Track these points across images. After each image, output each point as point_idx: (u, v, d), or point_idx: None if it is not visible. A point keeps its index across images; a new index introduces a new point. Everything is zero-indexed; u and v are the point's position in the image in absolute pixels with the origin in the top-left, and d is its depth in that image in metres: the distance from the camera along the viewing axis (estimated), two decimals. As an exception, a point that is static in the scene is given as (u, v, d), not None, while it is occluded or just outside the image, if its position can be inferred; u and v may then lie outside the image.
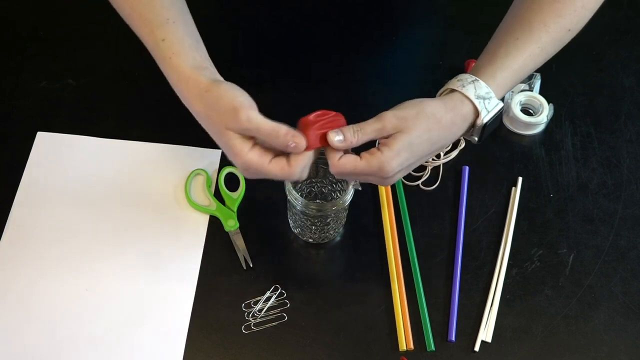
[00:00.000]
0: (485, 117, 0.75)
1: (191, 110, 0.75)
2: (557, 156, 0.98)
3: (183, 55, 0.74)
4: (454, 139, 0.77)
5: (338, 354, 0.85)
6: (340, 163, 0.72)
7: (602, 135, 1.00)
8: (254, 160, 0.71)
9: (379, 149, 0.72)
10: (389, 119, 0.72)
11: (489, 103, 0.74)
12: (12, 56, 1.06)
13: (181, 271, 0.89)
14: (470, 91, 0.74)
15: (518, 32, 0.78)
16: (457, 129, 0.75)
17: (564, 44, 0.81)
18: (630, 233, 0.93)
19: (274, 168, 0.71)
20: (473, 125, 0.76)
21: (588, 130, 1.00)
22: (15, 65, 1.05)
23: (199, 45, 0.77)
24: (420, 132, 0.72)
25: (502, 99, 0.78)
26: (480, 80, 0.75)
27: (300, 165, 0.72)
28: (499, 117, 0.77)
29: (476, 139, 0.78)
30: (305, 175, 0.73)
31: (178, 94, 0.76)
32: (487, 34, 0.85)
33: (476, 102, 0.74)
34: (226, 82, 0.73)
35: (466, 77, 0.75)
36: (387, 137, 0.72)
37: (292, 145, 0.70)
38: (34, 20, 1.09)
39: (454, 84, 0.76)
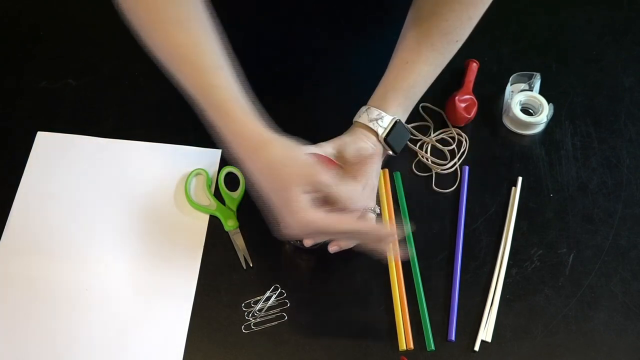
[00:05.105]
0: (382, 134, 0.86)
1: (241, 159, 0.77)
2: (557, 156, 0.98)
3: (239, 101, 0.77)
4: (381, 158, 0.88)
5: (338, 354, 0.85)
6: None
7: (602, 135, 1.00)
8: (318, 216, 0.74)
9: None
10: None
11: (382, 122, 0.86)
12: (12, 56, 1.06)
13: (181, 271, 0.89)
14: (364, 118, 0.87)
15: (408, 56, 0.87)
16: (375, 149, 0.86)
17: (454, 53, 0.89)
18: (630, 233, 0.93)
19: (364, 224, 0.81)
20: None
21: (588, 130, 1.00)
22: (15, 65, 1.05)
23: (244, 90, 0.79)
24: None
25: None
26: (371, 107, 0.87)
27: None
28: (402, 131, 0.88)
29: (390, 152, 0.88)
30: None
31: (230, 143, 0.78)
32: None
33: (370, 124, 0.86)
34: (283, 137, 0.77)
35: (362, 109, 0.88)
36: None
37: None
38: (34, 20, 1.09)
39: (355, 118, 0.88)
